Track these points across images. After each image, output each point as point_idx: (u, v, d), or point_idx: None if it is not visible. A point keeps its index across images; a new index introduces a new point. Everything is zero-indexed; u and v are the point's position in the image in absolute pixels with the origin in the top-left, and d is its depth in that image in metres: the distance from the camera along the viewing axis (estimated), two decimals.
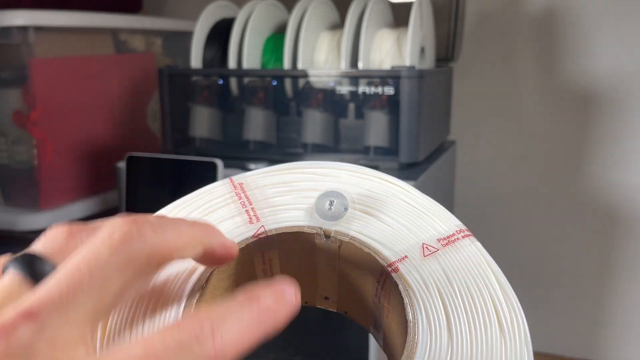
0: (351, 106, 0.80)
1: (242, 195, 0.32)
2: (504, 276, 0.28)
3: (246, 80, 0.82)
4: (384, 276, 0.29)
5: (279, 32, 0.88)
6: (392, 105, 0.74)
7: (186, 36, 0.93)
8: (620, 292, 1.12)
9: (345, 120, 0.81)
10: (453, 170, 1.04)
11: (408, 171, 0.75)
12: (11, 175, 0.87)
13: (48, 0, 0.88)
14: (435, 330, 0.26)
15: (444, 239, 0.30)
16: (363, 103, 0.77)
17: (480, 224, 1.18)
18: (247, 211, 0.31)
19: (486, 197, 1.17)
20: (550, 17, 1.07)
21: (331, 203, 0.31)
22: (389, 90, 0.74)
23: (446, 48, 0.95)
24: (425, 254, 0.29)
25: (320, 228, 0.30)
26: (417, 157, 0.76)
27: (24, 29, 0.80)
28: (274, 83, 0.81)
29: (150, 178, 0.80)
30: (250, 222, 0.30)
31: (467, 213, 1.16)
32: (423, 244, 0.29)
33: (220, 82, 0.84)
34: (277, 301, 0.21)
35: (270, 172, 0.33)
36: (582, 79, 1.07)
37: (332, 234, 0.30)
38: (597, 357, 1.15)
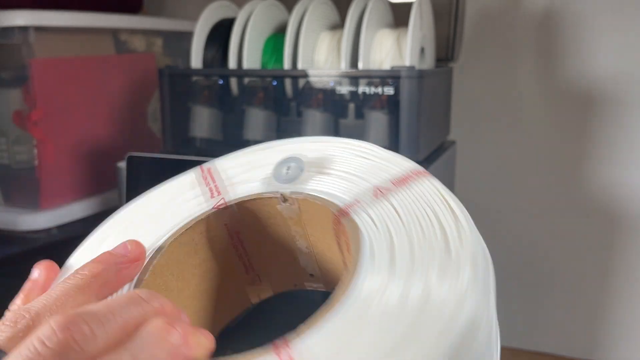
0: (351, 106, 0.80)
1: (208, 177, 0.33)
2: (463, 208, 0.28)
3: (246, 80, 0.83)
4: (337, 225, 0.29)
5: (279, 32, 0.88)
6: (392, 105, 0.75)
7: (186, 36, 0.93)
8: (620, 292, 1.12)
9: (345, 120, 0.81)
10: (453, 170, 1.04)
11: None
12: (11, 175, 0.87)
13: (48, 1, 0.88)
14: (377, 265, 0.25)
15: (397, 180, 0.29)
16: (363, 103, 0.77)
17: (480, 224, 1.17)
18: (210, 189, 0.32)
19: (486, 197, 1.17)
20: (550, 17, 1.07)
21: (288, 168, 0.31)
22: (389, 91, 0.74)
23: (446, 48, 0.96)
24: (377, 196, 0.28)
25: (278, 192, 0.30)
26: (417, 157, 0.76)
27: (24, 29, 0.80)
28: (274, 83, 0.81)
29: (150, 178, 0.80)
30: (212, 196, 0.31)
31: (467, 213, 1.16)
32: (375, 187, 0.29)
33: (221, 82, 0.84)
34: (197, 342, 0.22)
35: (237, 155, 0.35)
36: (582, 79, 1.07)
37: (288, 195, 0.30)
38: (597, 357, 1.15)
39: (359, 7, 0.80)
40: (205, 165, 0.34)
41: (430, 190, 0.28)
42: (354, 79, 0.76)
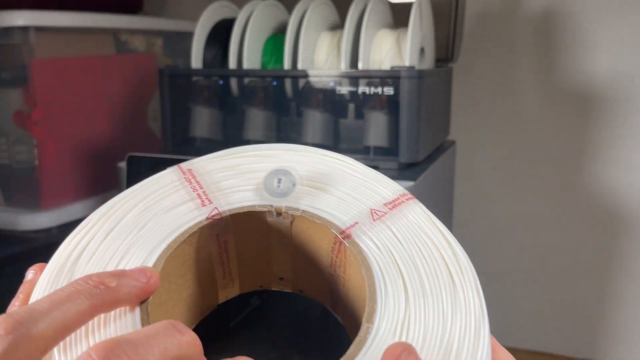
0: (351, 106, 0.80)
1: (192, 180, 0.32)
2: (450, 232, 0.29)
3: (246, 80, 0.83)
4: (337, 245, 0.29)
5: (279, 33, 0.88)
6: (391, 105, 0.75)
7: (187, 36, 0.93)
8: (620, 292, 1.12)
9: (345, 121, 0.81)
10: (453, 170, 1.04)
11: (408, 171, 0.76)
12: (12, 175, 0.87)
13: (49, 1, 0.89)
14: (392, 289, 0.26)
15: (390, 202, 0.31)
16: (363, 103, 0.77)
17: (479, 224, 1.18)
18: (198, 195, 0.31)
19: (486, 197, 1.17)
20: (550, 17, 1.07)
21: (279, 180, 0.31)
22: (389, 91, 0.74)
23: (446, 48, 0.96)
24: (375, 219, 0.30)
25: (271, 205, 0.31)
26: (417, 157, 0.76)
27: (24, 30, 0.80)
28: (274, 83, 0.81)
29: None
30: (203, 205, 0.31)
31: (467, 213, 1.16)
32: (371, 209, 0.30)
33: (221, 82, 0.84)
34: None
35: (217, 157, 0.34)
36: (582, 79, 1.07)
37: (283, 210, 0.30)
38: (597, 356, 1.15)
39: (359, 7, 0.80)
40: (184, 166, 0.33)
41: (420, 215, 0.30)
42: (354, 79, 0.76)
